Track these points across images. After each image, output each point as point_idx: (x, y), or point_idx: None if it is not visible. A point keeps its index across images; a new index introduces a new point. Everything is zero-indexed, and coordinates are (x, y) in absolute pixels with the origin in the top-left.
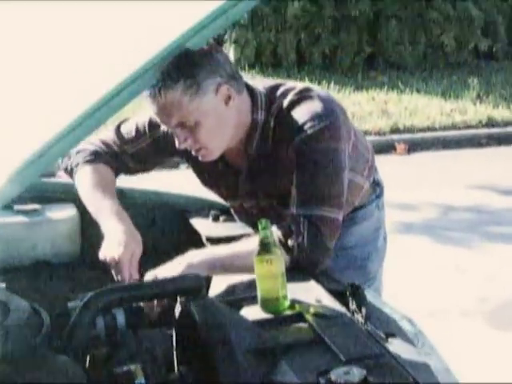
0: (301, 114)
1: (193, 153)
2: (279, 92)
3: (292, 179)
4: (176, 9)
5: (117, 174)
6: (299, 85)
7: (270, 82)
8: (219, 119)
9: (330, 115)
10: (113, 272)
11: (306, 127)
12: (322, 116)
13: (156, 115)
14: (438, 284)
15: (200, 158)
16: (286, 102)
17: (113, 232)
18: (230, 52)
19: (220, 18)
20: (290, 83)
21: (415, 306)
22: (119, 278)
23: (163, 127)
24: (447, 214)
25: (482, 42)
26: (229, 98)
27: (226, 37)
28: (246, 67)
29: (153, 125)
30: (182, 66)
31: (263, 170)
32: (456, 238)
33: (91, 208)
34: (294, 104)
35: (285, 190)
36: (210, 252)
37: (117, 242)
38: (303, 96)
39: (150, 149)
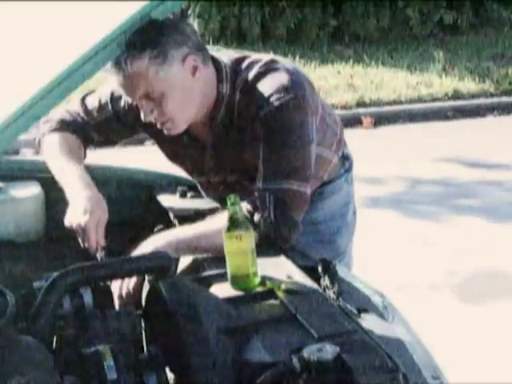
0: (267, 86)
1: (158, 126)
2: (244, 64)
3: (258, 153)
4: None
5: (84, 145)
6: (265, 57)
7: (235, 54)
8: (185, 90)
9: (297, 87)
10: (79, 239)
11: (271, 100)
12: (289, 88)
13: (121, 87)
14: (406, 258)
15: (165, 132)
16: (251, 75)
17: (78, 198)
18: (194, 27)
19: None
20: (255, 55)
21: (383, 280)
22: (86, 245)
23: (125, 101)
24: (414, 187)
25: (446, 14)
26: (195, 68)
27: (190, 11)
28: (211, 42)
29: (114, 97)
30: (149, 36)
31: (229, 143)
32: (424, 212)
33: (56, 173)
34: (259, 76)
35: (251, 164)
36: (175, 234)
37: (82, 208)
38: (269, 68)
39: (113, 121)
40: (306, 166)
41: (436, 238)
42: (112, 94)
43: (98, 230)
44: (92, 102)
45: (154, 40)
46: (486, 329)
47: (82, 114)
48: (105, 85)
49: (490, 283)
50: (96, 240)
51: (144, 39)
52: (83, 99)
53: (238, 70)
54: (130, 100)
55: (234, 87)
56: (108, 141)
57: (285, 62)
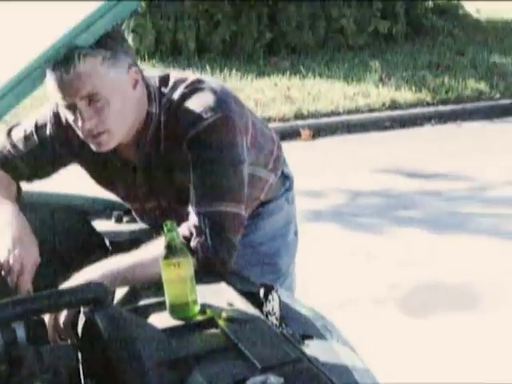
0: (192, 107)
1: (89, 140)
2: (169, 84)
3: (189, 176)
4: (59, 9)
5: (15, 180)
6: (190, 76)
7: (159, 72)
8: (126, 102)
9: (223, 107)
10: (8, 280)
11: (198, 121)
12: (215, 108)
13: (61, 88)
14: (349, 272)
15: (95, 148)
16: (176, 95)
17: (7, 237)
18: (129, 41)
19: (107, 14)
20: (180, 74)
21: (326, 295)
22: (14, 286)
23: (49, 128)
24: (355, 199)
25: (381, 23)
26: (136, 82)
27: (124, 26)
28: (146, 56)
29: (39, 126)
30: (102, 38)
31: (159, 166)
32: (365, 224)
33: None
34: (184, 97)
35: (182, 188)
36: (110, 264)
37: (10, 248)
38: (194, 88)
39: (39, 151)
40: (239, 187)
41: (378, 251)
42: (36, 124)
43: (28, 271)
44: (17, 134)
45: (106, 42)
46: (426, 343)
47: (8, 148)
48: (30, 115)
49: (431, 295)
50: (26, 282)
51: (98, 40)
52: (9, 132)
53: (162, 89)
54: (56, 124)
55: (159, 108)
56: (39, 174)
57: (210, 81)
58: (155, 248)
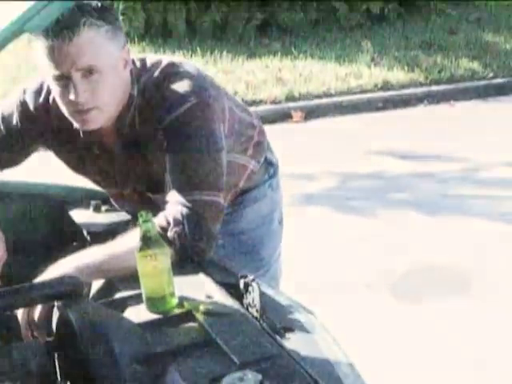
0: (168, 93)
1: (75, 117)
2: (146, 67)
3: (165, 164)
4: None
5: None
6: (165, 59)
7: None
8: (117, 80)
9: (200, 93)
10: None
11: (174, 108)
12: (191, 94)
13: (59, 56)
14: (341, 256)
15: (81, 126)
16: (151, 80)
17: None
18: None
19: None
20: (155, 57)
21: (318, 280)
22: None
23: (16, 117)
24: (347, 182)
25: (373, 4)
26: (126, 62)
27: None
28: (136, 39)
29: (5, 116)
30: (107, 13)
31: (136, 153)
32: (358, 207)
33: None
34: (159, 82)
35: (158, 176)
36: (84, 257)
37: None
38: (170, 73)
39: (8, 141)
40: (218, 175)
41: (371, 234)
42: (2, 114)
43: None
44: None
45: (107, 16)
46: (419, 327)
47: None
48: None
49: (424, 279)
50: None
51: (102, 14)
52: None
53: (138, 73)
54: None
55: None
56: (9, 163)
57: (185, 63)
58: (131, 239)
